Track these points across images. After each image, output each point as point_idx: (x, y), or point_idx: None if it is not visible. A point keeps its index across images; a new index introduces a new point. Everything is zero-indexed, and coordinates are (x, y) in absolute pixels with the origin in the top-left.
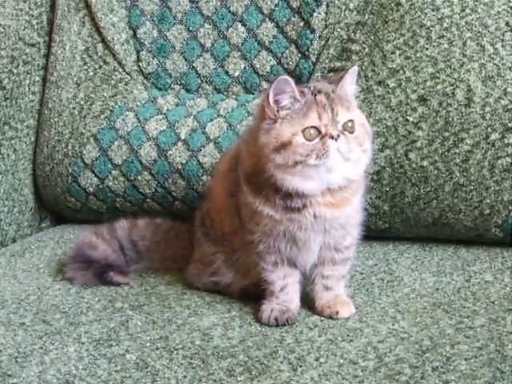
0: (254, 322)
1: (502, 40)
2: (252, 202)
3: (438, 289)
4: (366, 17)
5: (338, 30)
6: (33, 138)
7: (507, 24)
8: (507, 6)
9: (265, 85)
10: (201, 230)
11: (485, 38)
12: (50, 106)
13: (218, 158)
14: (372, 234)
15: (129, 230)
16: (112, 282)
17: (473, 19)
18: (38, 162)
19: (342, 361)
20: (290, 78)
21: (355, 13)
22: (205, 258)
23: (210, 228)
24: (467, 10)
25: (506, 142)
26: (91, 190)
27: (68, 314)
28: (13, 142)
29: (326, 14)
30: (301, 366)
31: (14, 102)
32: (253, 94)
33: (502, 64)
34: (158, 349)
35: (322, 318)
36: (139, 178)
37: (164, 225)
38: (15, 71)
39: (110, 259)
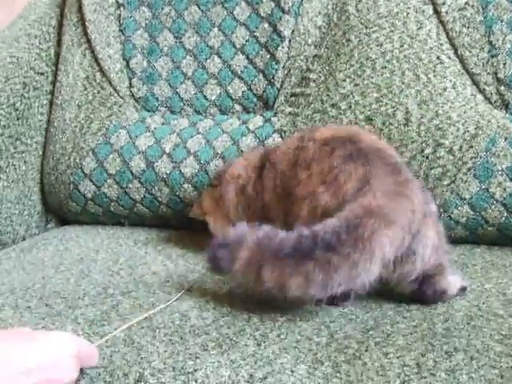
0: (226, 305)
1: (434, 71)
2: None
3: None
4: (322, 50)
5: (299, 61)
6: (40, 152)
7: (438, 58)
8: (438, 43)
9: (237, 107)
10: None
11: (420, 69)
12: (55, 124)
13: (197, 168)
14: None
15: None
16: None
17: (410, 53)
18: (45, 172)
19: (299, 337)
20: None
21: (313, 47)
22: None
23: None
24: (405, 46)
25: (438, 155)
26: (89, 196)
27: (67, 299)
28: (23, 154)
29: (289, 48)
30: (264, 342)
31: (24, 121)
32: (227, 114)
33: (434, 90)
34: (143, 328)
35: None
36: (130, 185)
37: None
38: (26, 95)
39: None
